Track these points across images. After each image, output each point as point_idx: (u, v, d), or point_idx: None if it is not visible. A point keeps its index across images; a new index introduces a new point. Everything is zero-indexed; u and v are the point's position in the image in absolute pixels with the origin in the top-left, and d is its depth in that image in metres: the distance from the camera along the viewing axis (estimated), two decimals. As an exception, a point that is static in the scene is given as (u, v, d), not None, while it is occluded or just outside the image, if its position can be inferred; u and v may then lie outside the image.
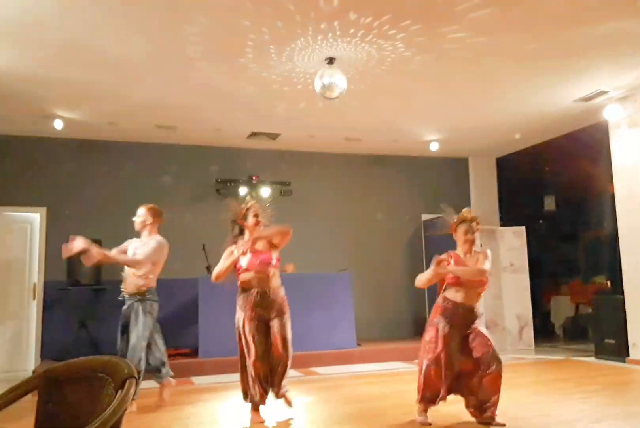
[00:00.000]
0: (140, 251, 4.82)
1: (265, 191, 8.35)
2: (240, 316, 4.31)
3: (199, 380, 6.25)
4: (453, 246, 8.34)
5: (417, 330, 8.97)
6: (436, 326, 4.09)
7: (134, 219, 4.91)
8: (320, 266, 8.14)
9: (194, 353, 6.84)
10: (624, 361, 6.54)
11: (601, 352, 6.93)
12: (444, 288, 4.21)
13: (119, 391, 1.72)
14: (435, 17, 4.50)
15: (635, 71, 5.79)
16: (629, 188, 6.58)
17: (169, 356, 6.73)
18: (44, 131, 7.11)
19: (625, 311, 6.59)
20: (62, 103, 6.37)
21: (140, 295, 4.76)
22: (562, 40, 4.99)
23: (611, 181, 6.85)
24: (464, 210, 4.33)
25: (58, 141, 7.60)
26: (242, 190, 8.30)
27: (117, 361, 1.87)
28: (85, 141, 7.78)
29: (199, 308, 6.85)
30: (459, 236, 4.23)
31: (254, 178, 8.36)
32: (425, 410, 4.12)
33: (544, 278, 9.70)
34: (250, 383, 4.19)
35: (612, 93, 6.40)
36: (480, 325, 4.10)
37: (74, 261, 6.90)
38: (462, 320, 4.04)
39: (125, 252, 4.95)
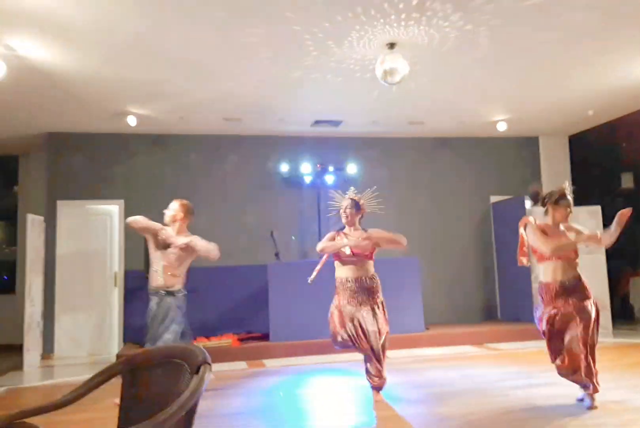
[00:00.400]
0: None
1: (329, 178, 8.42)
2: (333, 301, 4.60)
3: (270, 363, 6.46)
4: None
5: (488, 314, 8.86)
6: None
7: (164, 211, 4.88)
8: (388, 250, 8.14)
9: (265, 337, 7.05)
10: None
11: (685, 336, 6.62)
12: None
13: (195, 376, 1.84)
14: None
15: None
16: None
17: (242, 339, 7.03)
18: (119, 127, 7.46)
19: None
20: (134, 101, 6.66)
21: (173, 290, 4.69)
22: (635, 11, 4.72)
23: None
24: (564, 184, 4.23)
25: (132, 136, 7.96)
26: (307, 178, 8.41)
27: (192, 349, 1.99)
28: (158, 135, 8.11)
29: (269, 293, 7.05)
30: (559, 210, 4.11)
31: (318, 165, 8.44)
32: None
33: (622, 259, 9.28)
34: None
35: (692, 63, 6.00)
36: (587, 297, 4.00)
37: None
38: (557, 298, 4.01)
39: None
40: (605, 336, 7.42)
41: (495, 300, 8.93)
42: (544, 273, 4.11)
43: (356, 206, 4.51)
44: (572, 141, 9.19)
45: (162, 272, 4.65)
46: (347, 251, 4.42)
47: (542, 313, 4.11)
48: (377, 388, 4.42)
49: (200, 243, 4.72)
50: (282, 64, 5.63)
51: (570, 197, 4.13)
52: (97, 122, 7.43)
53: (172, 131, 8.05)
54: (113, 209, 7.95)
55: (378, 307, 4.41)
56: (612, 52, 5.69)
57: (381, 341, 4.37)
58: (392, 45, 5.18)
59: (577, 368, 3.93)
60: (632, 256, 9.47)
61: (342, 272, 4.48)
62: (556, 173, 9.06)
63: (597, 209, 7.99)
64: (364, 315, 4.32)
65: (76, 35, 4.78)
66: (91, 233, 7.85)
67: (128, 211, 7.95)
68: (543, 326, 4.07)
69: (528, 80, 6.46)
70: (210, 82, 6.12)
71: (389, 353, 6.70)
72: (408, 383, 5.11)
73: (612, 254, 8.20)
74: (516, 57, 5.74)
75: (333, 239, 4.53)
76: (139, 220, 4.73)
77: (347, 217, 4.49)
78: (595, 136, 8.68)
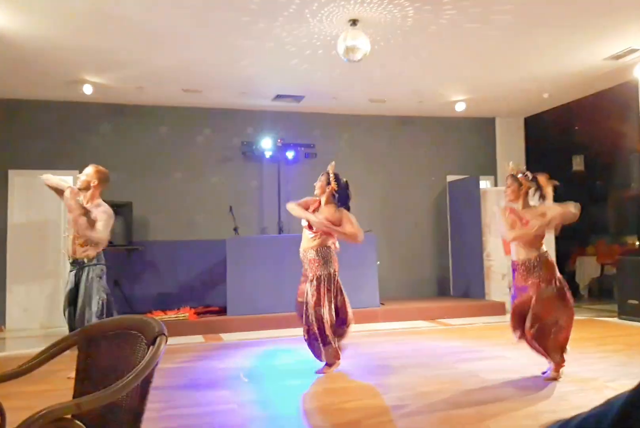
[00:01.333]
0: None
1: (290, 154, 8.42)
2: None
3: (227, 337, 6.52)
4: (477, 207, 8.33)
5: (440, 290, 9.12)
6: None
7: (78, 175, 4.66)
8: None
9: (223, 311, 7.10)
10: (646, 322, 6.60)
11: (624, 313, 6.98)
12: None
13: (151, 347, 1.87)
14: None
15: (668, 28, 5.61)
16: (658, 148, 6.47)
17: (199, 313, 7.06)
18: (74, 95, 7.25)
19: (649, 273, 6.60)
20: (90, 69, 6.48)
21: (89, 261, 4.48)
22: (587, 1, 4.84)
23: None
24: (510, 165, 4.43)
25: (88, 105, 7.75)
26: (267, 153, 8.39)
27: (148, 320, 2.01)
28: (115, 105, 7.91)
29: (227, 268, 7.07)
30: (512, 193, 4.33)
31: (279, 140, 8.41)
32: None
33: (571, 238, 9.64)
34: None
35: (643, 51, 6.22)
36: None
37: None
38: (520, 275, 4.22)
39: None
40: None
41: (448, 276, 9.19)
42: (514, 252, 4.30)
43: (328, 181, 4.64)
44: (528, 123, 9.41)
45: (71, 241, 4.49)
46: (304, 223, 4.57)
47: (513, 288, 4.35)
48: (327, 364, 4.56)
49: (99, 224, 4.38)
50: (241, 35, 5.55)
51: (519, 176, 4.31)
52: (51, 90, 7.20)
53: (130, 101, 7.87)
54: (67, 179, 7.74)
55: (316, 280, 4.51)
56: (566, 38, 5.83)
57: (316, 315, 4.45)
58: (354, 22, 5.19)
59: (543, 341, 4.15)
60: (580, 236, 9.85)
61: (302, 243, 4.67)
62: (511, 153, 9.27)
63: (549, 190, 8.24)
64: (308, 287, 4.49)
65: (30, 1, 4.61)
66: (44, 203, 7.66)
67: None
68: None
69: (486, 62, 6.57)
70: (169, 52, 5.99)
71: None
72: (360, 356, 5.25)
73: (561, 234, 8.50)
74: (474, 40, 5.82)
75: (307, 206, 4.66)
76: (49, 178, 4.60)
77: (319, 189, 4.67)
78: (550, 119, 8.91)
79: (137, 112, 8.06)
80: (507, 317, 6.87)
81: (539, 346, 4.16)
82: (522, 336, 4.23)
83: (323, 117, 8.73)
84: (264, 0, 4.79)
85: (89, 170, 4.60)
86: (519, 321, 4.23)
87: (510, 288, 4.48)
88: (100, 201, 4.57)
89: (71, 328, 4.33)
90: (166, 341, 1.91)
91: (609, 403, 0.57)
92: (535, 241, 4.21)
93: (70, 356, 2.14)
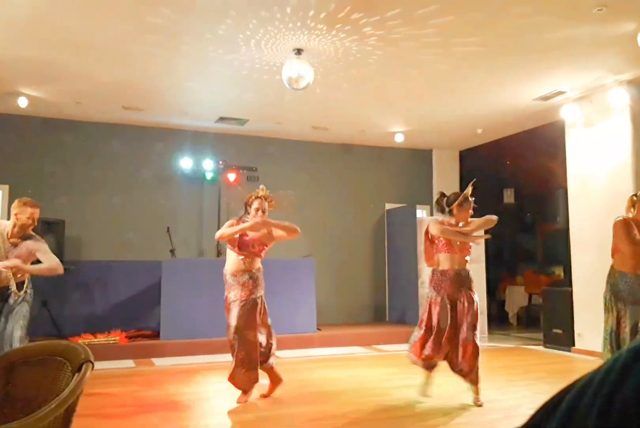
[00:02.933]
0: (26, 251, 4.26)
1: (231, 176, 8.41)
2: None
3: (159, 362, 6.35)
4: (414, 235, 8.52)
5: (377, 315, 9.24)
6: (428, 298, 4.42)
7: (20, 216, 4.25)
8: (284, 251, 8.25)
9: (156, 335, 6.92)
10: (569, 351, 6.88)
11: (549, 341, 7.26)
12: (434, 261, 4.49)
13: (76, 374, 1.82)
14: (398, 16, 4.61)
15: (591, 73, 6.02)
16: (581, 185, 6.86)
17: (131, 337, 6.85)
18: (9, 108, 7.01)
19: (572, 303, 6.91)
20: (27, 81, 6.30)
21: (20, 284, 4.28)
22: (522, 42, 5.16)
23: (566, 178, 7.12)
24: (468, 189, 4.56)
25: (23, 118, 7.50)
26: (208, 174, 8.34)
27: (74, 346, 1.96)
28: (51, 119, 7.70)
29: (162, 290, 6.92)
30: (462, 212, 4.46)
31: (220, 162, 8.39)
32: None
33: (501, 268, 10.03)
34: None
35: (569, 93, 6.63)
36: (472, 289, 4.37)
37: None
38: (450, 284, 4.31)
39: None
40: (480, 341, 7.95)
41: (384, 303, 9.31)
42: (442, 262, 4.43)
43: (267, 203, 4.60)
44: (463, 156, 9.80)
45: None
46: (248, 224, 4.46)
47: (433, 300, 4.37)
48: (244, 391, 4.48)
49: (40, 267, 4.25)
50: (185, 57, 5.56)
51: (471, 200, 4.52)
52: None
53: (67, 116, 7.66)
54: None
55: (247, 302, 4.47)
56: (498, 78, 6.17)
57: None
58: (299, 51, 5.31)
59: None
60: (509, 265, 10.25)
61: (228, 263, 4.58)
62: (447, 184, 9.59)
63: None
64: (236, 310, 4.42)
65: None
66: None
67: (14, 197, 7.47)
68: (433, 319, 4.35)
69: (424, 97, 6.84)
70: (111, 68, 5.90)
71: (280, 353, 6.87)
72: (295, 382, 5.23)
73: (492, 262, 8.83)
74: (413, 75, 6.06)
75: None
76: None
77: (263, 214, 4.50)
78: (483, 153, 9.31)
79: (74, 127, 7.86)
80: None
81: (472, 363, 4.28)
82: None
83: (266, 141, 8.79)
84: (213, 26, 4.84)
85: (28, 209, 4.27)
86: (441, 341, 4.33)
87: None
88: (32, 234, 4.35)
89: None
90: (92, 368, 1.87)
91: (602, 367, 0.55)
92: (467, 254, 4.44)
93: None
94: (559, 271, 9.28)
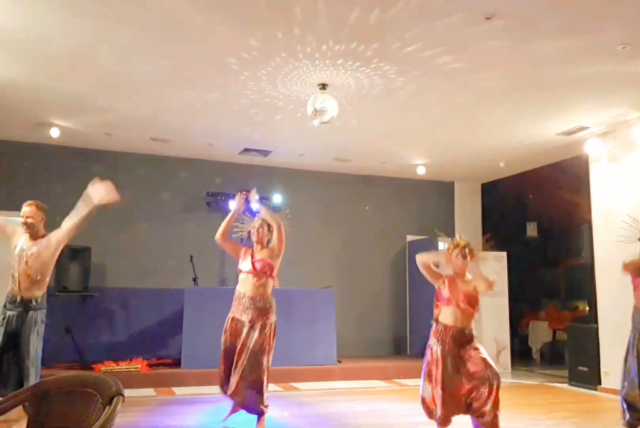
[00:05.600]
0: (45, 245, 4.28)
1: (254, 206, 8.47)
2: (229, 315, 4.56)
3: (180, 391, 6.34)
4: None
5: (397, 348, 9.13)
6: (431, 348, 4.28)
7: (25, 219, 4.31)
8: (304, 281, 8.28)
9: (177, 363, 6.92)
10: (595, 389, 6.71)
11: (574, 379, 7.09)
12: (438, 311, 4.35)
13: (107, 407, 1.85)
14: (421, 51, 4.71)
15: (614, 109, 6.04)
16: (605, 220, 6.80)
17: (152, 365, 6.86)
18: (41, 137, 7.23)
19: (598, 340, 6.77)
20: (60, 113, 6.51)
21: (36, 302, 4.20)
22: (545, 77, 5.22)
23: (590, 212, 7.07)
24: (456, 237, 4.44)
25: (53, 147, 7.71)
26: (232, 204, 8.42)
27: (105, 378, 2.00)
28: (81, 149, 7.90)
29: (184, 319, 6.95)
30: (454, 261, 4.30)
31: (243, 192, 8.48)
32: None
33: (524, 302, 9.88)
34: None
35: (592, 129, 6.64)
36: (476, 344, 4.20)
37: (62, 267, 7.01)
38: (453, 341, 4.17)
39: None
40: (504, 377, 7.74)
41: (405, 335, 9.22)
42: (446, 317, 4.28)
43: (268, 226, 4.65)
44: (485, 189, 9.79)
45: (19, 277, 4.15)
46: (246, 267, 4.51)
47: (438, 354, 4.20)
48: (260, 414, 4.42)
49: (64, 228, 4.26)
50: (213, 91, 5.72)
51: (466, 249, 4.26)
52: (17, 131, 7.17)
53: (96, 146, 7.87)
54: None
55: (264, 327, 4.43)
56: (522, 113, 6.21)
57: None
58: (323, 86, 5.44)
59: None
60: (532, 300, 10.10)
61: (240, 286, 4.58)
62: (468, 217, 9.59)
63: (503, 254, 8.50)
64: (246, 331, 4.40)
65: (4, 42, 4.68)
66: (3, 245, 7.46)
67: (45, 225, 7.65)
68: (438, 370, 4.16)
69: (446, 130, 6.91)
70: (140, 101, 6.10)
71: (300, 385, 6.83)
72: (316, 416, 5.18)
73: (514, 297, 8.73)
74: (436, 109, 6.15)
75: (240, 248, 4.67)
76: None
77: (258, 235, 4.63)
78: (506, 186, 9.30)
79: (103, 157, 8.05)
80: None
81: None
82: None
83: (289, 172, 8.90)
84: (238, 62, 4.99)
85: (31, 209, 4.35)
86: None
87: None
88: (45, 233, 4.35)
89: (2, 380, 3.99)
90: (123, 401, 1.90)
91: None
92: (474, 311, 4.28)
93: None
94: (582, 307, 9.12)
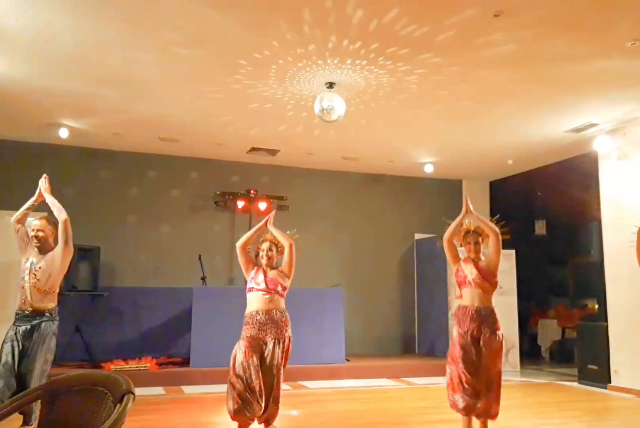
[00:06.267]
0: (52, 258, 4.23)
1: (262, 205, 8.52)
2: (241, 337, 4.36)
3: (189, 389, 6.37)
4: (444, 265, 8.45)
5: (406, 347, 9.12)
6: (451, 333, 4.36)
7: (36, 233, 4.27)
8: (313, 280, 8.29)
9: (186, 362, 6.95)
10: (605, 388, 6.67)
11: (584, 377, 7.06)
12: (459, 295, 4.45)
13: (118, 405, 1.86)
14: (428, 49, 4.71)
15: (624, 106, 6.00)
16: (615, 217, 6.76)
17: (161, 364, 6.89)
18: (50, 138, 7.27)
19: (608, 338, 6.73)
20: (69, 113, 6.54)
21: (49, 314, 4.15)
22: (554, 74, 5.19)
23: (599, 210, 7.03)
24: (466, 222, 4.54)
25: (63, 148, 7.75)
26: (240, 203, 8.47)
27: (115, 377, 2.02)
28: (90, 149, 7.95)
29: (193, 317, 6.98)
30: (467, 246, 4.48)
31: (252, 191, 8.53)
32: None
33: (532, 301, 9.84)
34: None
35: (602, 126, 6.60)
36: (495, 329, 4.24)
37: (72, 267, 7.04)
38: (472, 322, 4.22)
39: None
40: (513, 375, 7.78)
41: (414, 334, 9.21)
42: (464, 298, 4.37)
43: (276, 247, 4.54)
44: (493, 187, 9.75)
45: (30, 289, 4.11)
46: (259, 285, 4.39)
47: (457, 335, 4.28)
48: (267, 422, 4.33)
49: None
50: (221, 91, 5.72)
51: (476, 234, 4.47)
52: (26, 131, 7.22)
53: (105, 146, 7.92)
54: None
55: (285, 341, 4.34)
56: (531, 111, 6.18)
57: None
58: (331, 85, 5.43)
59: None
60: (541, 298, 10.05)
61: (253, 305, 4.40)
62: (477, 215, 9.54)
63: (512, 252, 8.47)
64: (271, 347, 4.26)
65: (14, 42, 4.70)
66: (9, 244, 7.51)
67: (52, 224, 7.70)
68: (457, 351, 4.24)
69: (454, 128, 6.88)
70: (149, 101, 6.12)
71: (309, 383, 6.84)
72: (322, 414, 5.19)
73: (523, 295, 8.69)
74: (443, 107, 6.13)
75: (253, 263, 4.56)
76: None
77: (268, 259, 4.47)
78: (514, 184, 9.26)
79: (112, 157, 8.10)
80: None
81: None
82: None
83: (297, 171, 8.92)
84: (247, 61, 5.00)
85: (42, 223, 4.30)
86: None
87: None
88: (53, 245, 4.32)
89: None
90: (134, 399, 1.91)
91: None
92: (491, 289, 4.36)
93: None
94: (592, 305, 9.07)
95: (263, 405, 4.16)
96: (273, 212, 4.74)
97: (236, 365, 4.25)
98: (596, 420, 5.22)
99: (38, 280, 4.14)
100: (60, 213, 4.29)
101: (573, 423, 4.98)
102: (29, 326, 4.04)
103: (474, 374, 4.16)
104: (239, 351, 4.28)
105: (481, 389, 4.16)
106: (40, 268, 4.18)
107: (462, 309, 4.34)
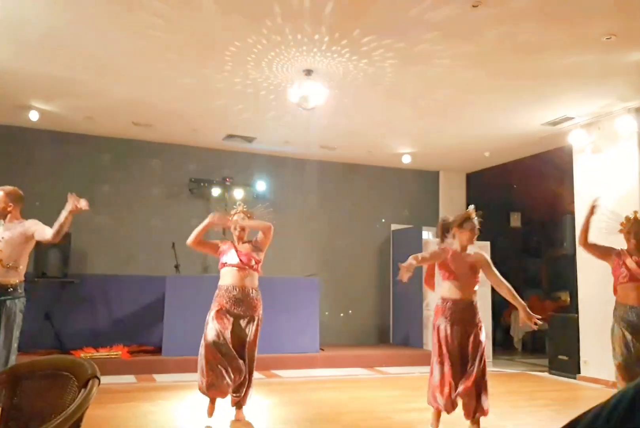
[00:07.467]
0: (19, 232, 4.09)
1: (238, 193, 8.43)
2: (212, 308, 4.35)
3: (160, 378, 6.30)
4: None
5: (381, 337, 9.16)
6: (437, 328, 4.12)
7: None
8: (289, 270, 8.26)
9: (158, 351, 6.87)
10: (575, 378, 6.79)
11: (555, 368, 7.17)
12: (438, 286, 4.27)
13: (82, 389, 1.81)
14: (407, 40, 4.68)
15: (599, 100, 6.06)
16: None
17: (133, 352, 6.81)
18: (19, 120, 7.08)
19: (579, 330, 6.84)
20: (39, 95, 6.38)
21: (13, 290, 4.01)
22: (531, 68, 5.22)
23: (573, 203, 7.10)
24: (470, 209, 4.35)
25: (32, 131, 7.56)
26: (215, 191, 8.38)
27: (80, 361, 1.95)
28: (61, 133, 7.76)
29: (165, 306, 6.90)
30: (464, 232, 4.20)
31: (227, 179, 8.43)
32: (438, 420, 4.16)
33: (506, 292, 9.94)
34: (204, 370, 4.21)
35: (577, 119, 6.67)
36: (479, 323, 4.15)
37: (42, 253, 6.91)
38: (462, 316, 4.08)
39: None
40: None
41: (388, 324, 9.25)
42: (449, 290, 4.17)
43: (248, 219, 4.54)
44: (470, 178, 9.81)
45: None
46: (233, 260, 4.37)
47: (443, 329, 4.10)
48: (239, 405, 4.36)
49: (44, 228, 4.12)
50: (196, 75, 5.63)
51: (475, 221, 4.25)
52: (-5, 113, 7.04)
53: (76, 130, 7.73)
54: None
55: (257, 320, 4.38)
56: (507, 103, 6.22)
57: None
58: (309, 72, 5.36)
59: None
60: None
61: (227, 280, 4.40)
62: (453, 207, 9.60)
63: (486, 244, 8.52)
64: (244, 324, 4.30)
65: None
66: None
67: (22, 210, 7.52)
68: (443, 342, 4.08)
69: (432, 120, 6.89)
70: (123, 85, 5.98)
71: (282, 372, 6.82)
72: (296, 403, 5.18)
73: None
74: (422, 99, 6.13)
75: (217, 246, 4.51)
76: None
77: (241, 231, 4.49)
78: (491, 176, 9.33)
79: (84, 142, 7.92)
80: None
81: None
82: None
83: (273, 159, 8.84)
84: (224, 47, 4.91)
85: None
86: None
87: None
88: (22, 220, 4.20)
89: None
90: (99, 384, 1.86)
91: (610, 402, 0.57)
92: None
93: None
94: (565, 297, 9.21)
95: (234, 379, 4.14)
96: (238, 217, 4.56)
97: (208, 335, 4.23)
98: (565, 409, 5.29)
99: (1, 251, 3.97)
100: (56, 230, 4.09)
101: (543, 411, 5.05)
102: None
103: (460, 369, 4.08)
104: (212, 320, 4.27)
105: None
106: (3, 238, 4.02)
107: (450, 302, 4.09)
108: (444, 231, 4.36)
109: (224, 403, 4.41)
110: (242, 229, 4.52)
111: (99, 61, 5.34)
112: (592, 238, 6.55)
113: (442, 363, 4.04)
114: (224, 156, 8.56)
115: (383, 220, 9.35)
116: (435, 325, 4.16)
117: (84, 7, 4.28)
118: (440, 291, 4.27)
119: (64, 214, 4.12)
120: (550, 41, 4.66)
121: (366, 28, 4.51)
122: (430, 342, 8.21)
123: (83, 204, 4.13)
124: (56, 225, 4.09)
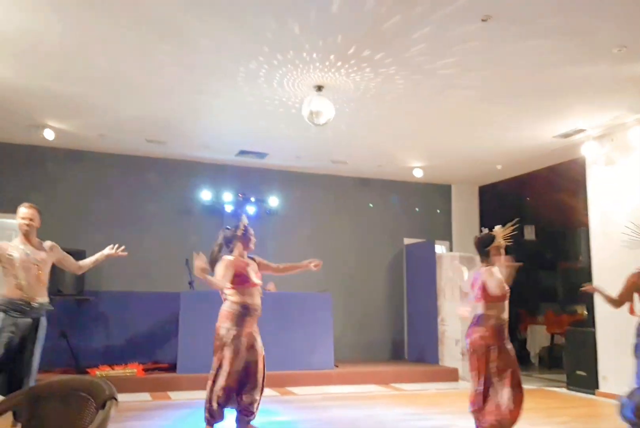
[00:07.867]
0: (48, 256, 4.24)
1: (250, 209, 8.46)
2: (237, 330, 4.36)
3: (175, 395, 6.28)
4: (433, 271, 8.43)
5: (395, 353, 9.08)
6: (488, 346, 4.22)
7: (20, 221, 4.20)
8: (301, 285, 8.23)
9: (173, 368, 6.86)
10: (593, 394, 6.67)
11: (573, 383, 7.05)
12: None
13: (100, 411, 1.81)
14: (417, 55, 4.71)
15: (612, 112, 6.03)
16: (602, 223, 6.78)
17: (148, 370, 6.80)
18: (34, 139, 7.17)
19: (596, 344, 6.74)
20: (53, 114, 6.46)
21: (47, 307, 4.19)
22: (543, 80, 5.22)
23: (587, 215, 7.05)
24: (497, 229, 4.50)
25: (47, 149, 7.65)
26: (228, 207, 8.42)
27: (98, 382, 1.96)
28: (75, 151, 7.84)
29: (180, 323, 6.89)
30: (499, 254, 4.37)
31: (240, 195, 8.48)
32: None
33: (522, 306, 9.85)
34: (214, 395, 4.24)
35: (589, 131, 6.63)
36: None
37: (57, 270, 6.93)
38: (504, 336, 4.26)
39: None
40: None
41: (403, 340, 9.17)
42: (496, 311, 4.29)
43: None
44: (482, 191, 9.77)
45: (34, 282, 4.06)
46: (257, 280, 4.47)
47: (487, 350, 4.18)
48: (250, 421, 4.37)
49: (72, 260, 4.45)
50: (208, 91, 5.68)
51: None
52: (10, 133, 7.12)
53: (90, 148, 7.82)
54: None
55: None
56: (519, 116, 6.21)
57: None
58: (319, 88, 5.41)
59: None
60: (531, 304, 10.07)
61: (253, 299, 4.46)
62: (466, 220, 9.58)
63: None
64: (259, 341, 4.43)
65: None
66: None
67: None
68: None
69: (443, 133, 6.90)
70: (135, 102, 6.06)
71: (297, 389, 6.78)
72: (311, 421, 5.13)
73: (512, 301, 8.66)
74: (434, 112, 6.15)
75: (235, 266, 4.52)
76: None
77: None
78: (503, 189, 9.28)
79: (97, 159, 8.00)
80: (460, 384, 6.87)
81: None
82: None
83: (285, 174, 8.87)
84: (237, 64, 4.97)
85: (30, 211, 4.21)
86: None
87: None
88: (39, 240, 4.27)
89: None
90: (116, 405, 1.86)
91: None
92: None
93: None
94: (581, 311, 9.09)
95: (255, 402, 4.28)
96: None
97: (235, 361, 4.28)
98: (584, 426, 5.20)
99: (42, 271, 4.15)
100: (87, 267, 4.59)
101: (562, 429, 4.96)
102: (30, 320, 4.02)
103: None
104: (240, 345, 4.31)
105: None
106: (42, 259, 4.16)
107: (500, 323, 4.29)
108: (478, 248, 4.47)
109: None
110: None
111: (111, 79, 5.42)
112: (608, 249, 6.51)
113: None
114: (237, 172, 8.60)
115: (390, 240, 9.29)
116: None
117: (96, 26, 4.35)
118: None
119: (101, 256, 4.58)
120: (561, 53, 4.67)
121: (375, 44, 4.54)
122: (445, 358, 8.14)
123: (121, 252, 4.63)
124: (89, 263, 4.52)
